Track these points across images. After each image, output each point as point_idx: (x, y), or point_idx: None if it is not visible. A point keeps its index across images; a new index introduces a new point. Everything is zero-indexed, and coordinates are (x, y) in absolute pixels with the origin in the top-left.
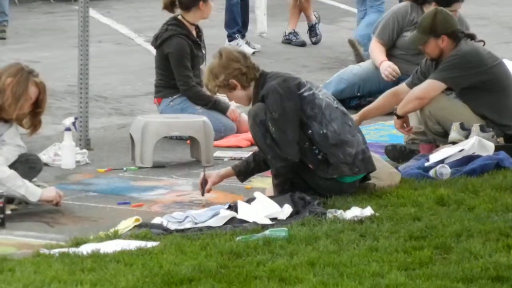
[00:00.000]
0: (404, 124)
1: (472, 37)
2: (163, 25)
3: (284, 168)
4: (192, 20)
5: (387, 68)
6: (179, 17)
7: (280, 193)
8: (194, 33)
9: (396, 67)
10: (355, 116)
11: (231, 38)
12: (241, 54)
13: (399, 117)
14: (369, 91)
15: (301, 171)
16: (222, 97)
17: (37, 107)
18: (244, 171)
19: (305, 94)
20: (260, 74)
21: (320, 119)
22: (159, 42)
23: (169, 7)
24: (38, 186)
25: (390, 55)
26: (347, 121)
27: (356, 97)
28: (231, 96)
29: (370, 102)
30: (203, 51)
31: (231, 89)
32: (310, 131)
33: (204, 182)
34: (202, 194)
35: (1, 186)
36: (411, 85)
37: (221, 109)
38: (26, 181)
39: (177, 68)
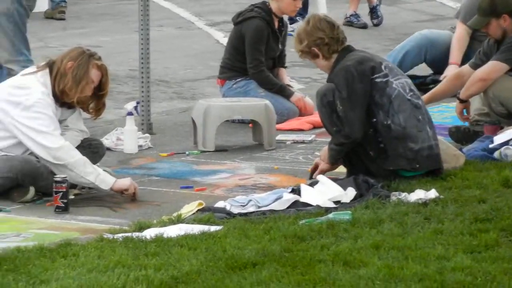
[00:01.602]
0: (464, 110)
1: None
2: (250, 5)
3: (345, 145)
4: (274, 8)
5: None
6: (267, 3)
7: (331, 158)
8: (276, 24)
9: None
10: None
11: (292, 20)
12: (330, 24)
13: (461, 101)
14: (434, 58)
15: (363, 156)
16: (288, 83)
17: (100, 89)
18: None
19: (378, 80)
20: (343, 49)
21: (387, 109)
22: (240, 19)
23: None
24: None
25: (472, 38)
26: (417, 114)
27: (421, 77)
28: (315, 63)
29: (434, 81)
30: (280, 46)
31: (313, 57)
32: (374, 119)
33: (315, 168)
34: (310, 178)
35: (69, 172)
36: (474, 66)
37: (286, 94)
38: (99, 169)
39: (251, 49)
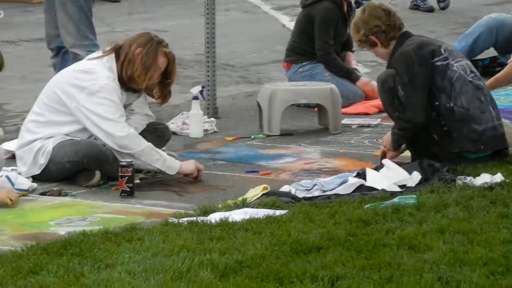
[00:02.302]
0: None
1: None
2: None
3: (407, 130)
4: None
5: None
6: None
7: (394, 142)
8: (345, 7)
9: None
10: None
11: (358, 4)
12: (386, 11)
13: None
14: (502, 42)
15: (427, 140)
16: (355, 67)
17: (166, 77)
18: None
19: (438, 63)
20: (400, 35)
21: (449, 92)
22: (309, 2)
23: None
24: (169, 154)
25: None
26: (480, 96)
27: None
28: (373, 51)
29: (499, 64)
30: (348, 31)
31: (372, 45)
32: (437, 103)
33: (382, 155)
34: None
35: (135, 160)
36: None
37: (353, 78)
38: (163, 154)
39: (320, 32)
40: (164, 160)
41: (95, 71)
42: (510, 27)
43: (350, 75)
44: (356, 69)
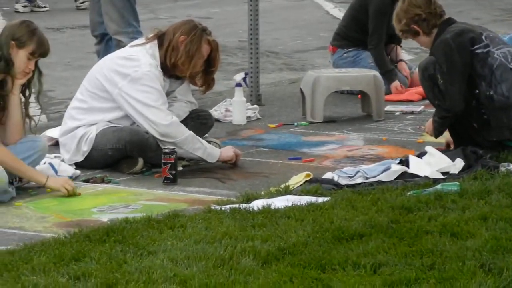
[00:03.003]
0: None
1: None
2: None
3: (446, 119)
4: None
5: None
6: None
7: (435, 130)
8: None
9: None
10: None
11: None
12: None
13: None
14: None
15: (467, 128)
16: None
17: (210, 65)
18: None
19: (478, 51)
20: (442, 22)
21: (490, 80)
22: None
23: None
24: (210, 142)
25: None
26: None
27: None
28: (416, 40)
29: None
30: None
31: (414, 34)
32: (477, 91)
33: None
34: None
35: (178, 149)
36: None
37: (389, 79)
38: (204, 142)
39: (375, 23)
40: (205, 149)
41: (138, 58)
42: None
43: (389, 75)
44: (404, 61)
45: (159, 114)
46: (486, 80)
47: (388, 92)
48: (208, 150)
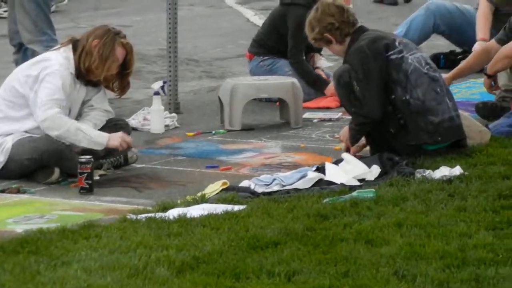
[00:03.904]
0: (492, 82)
1: None
2: None
3: (364, 125)
4: None
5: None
6: None
7: (352, 138)
8: None
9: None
10: (446, 76)
11: None
12: (339, 8)
13: (489, 76)
14: (458, 29)
15: (384, 134)
16: (321, 65)
17: (125, 68)
18: None
19: (393, 57)
20: (355, 30)
21: (405, 85)
22: (287, 1)
23: None
24: (129, 150)
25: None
26: (435, 87)
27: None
28: (329, 49)
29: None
30: None
31: (327, 42)
32: (393, 96)
33: (347, 150)
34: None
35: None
36: (500, 42)
37: (320, 88)
38: (89, 131)
39: (294, 37)
40: (90, 138)
41: (50, 58)
42: (456, 15)
43: (317, 85)
44: (320, 69)
45: (39, 110)
46: (402, 85)
47: (307, 99)
48: (93, 139)
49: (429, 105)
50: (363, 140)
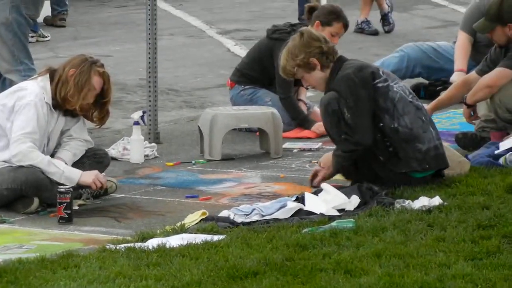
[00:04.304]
0: (471, 112)
1: None
2: (290, 25)
3: (354, 152)
4: None
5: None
6: (309, 27)
7: (338, 165)
8: None
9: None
10: (427, 107)
11: None
12: (321, 35)
13: (468, 106)
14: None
15: (372, 162)
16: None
17: (103, 97)
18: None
19: (379, 85)
20: (337, 59)
21: (392, 112)
22: (275, 36)
23: (308, 13)
24: (108, 180)
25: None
26: (421, 115)
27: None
28: (308, 78)
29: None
30: None
31: (310, 69)
32: (381, 124)
33: (315, 175)
34: (311, 186)
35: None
36: (481, 73)
37: (307, 125)
38: (62, 166)
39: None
40: (62, 173)
41: (26, 88)
42: (433, 54)
43: (305, 123)
44: (302, 101)
45: (11, 144)
46: (389, 113)
47: (287, 129)
48: (65, 174)
49: (416, 133)
50: None
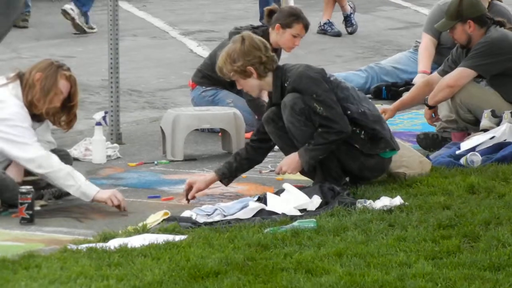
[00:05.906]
0: (433, 114)
1: (502, 24)
2: (252, 27)
3: (335, 142)
4: (271, 39)
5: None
6: (270, 29)
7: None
8: None
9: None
10: (389, 108)
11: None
12: (263, 43)
13: (430, 107)
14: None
15: (342, 154)
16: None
17: (70, 101)
18: (228, 173)
19: (332, 78)
20: (276, 67)
21: (352, 100)
22: None
23: (267, 17)
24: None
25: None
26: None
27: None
28: (243, 83)
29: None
30: None
31: (247, 76)
32: (349, 112)
33: (189, 188)
34: (187, 201)
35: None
36: (443, 73)
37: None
38: (81, 180)
39: None
40: (78, 187)
41: (4, 100)
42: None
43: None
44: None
45: (24, 148)
46: (350, 101)
47: (249, 130)
48: (82, 189)
49: (378, 113)
50: None
